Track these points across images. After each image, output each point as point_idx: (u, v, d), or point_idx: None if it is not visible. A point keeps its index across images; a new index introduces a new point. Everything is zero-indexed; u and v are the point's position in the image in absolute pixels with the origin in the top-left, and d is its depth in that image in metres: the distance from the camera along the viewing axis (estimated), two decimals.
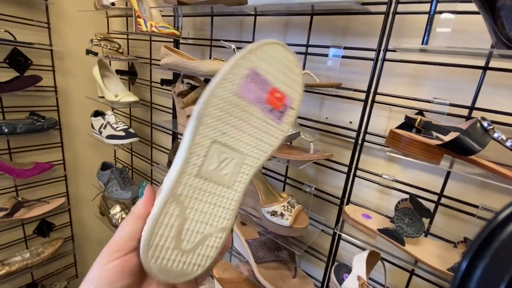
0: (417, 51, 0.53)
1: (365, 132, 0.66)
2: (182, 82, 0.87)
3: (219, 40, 0.93)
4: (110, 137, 1.09)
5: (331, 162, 0.76)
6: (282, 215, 0.64)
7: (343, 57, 0.65)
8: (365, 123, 0.65)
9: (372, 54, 0.60)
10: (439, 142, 0.42)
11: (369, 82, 0.62)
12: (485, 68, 0.52)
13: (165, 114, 1.20)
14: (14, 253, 1.19)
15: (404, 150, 0.44)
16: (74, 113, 1.30)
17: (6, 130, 1.02)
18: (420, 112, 0.61)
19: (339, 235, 0.73)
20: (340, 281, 0.57)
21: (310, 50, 0.74)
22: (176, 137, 1.09)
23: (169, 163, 0.97)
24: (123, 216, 1.28)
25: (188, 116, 0.82)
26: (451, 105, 0.54)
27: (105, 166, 1.28)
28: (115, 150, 1.49)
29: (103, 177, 1.25)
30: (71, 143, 1.32)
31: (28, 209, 1.16)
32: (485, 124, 0.40)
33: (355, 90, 0.65)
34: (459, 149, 0.40)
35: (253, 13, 0.79)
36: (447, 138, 0.41)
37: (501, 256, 0.17)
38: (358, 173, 0.70)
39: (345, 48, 0.64)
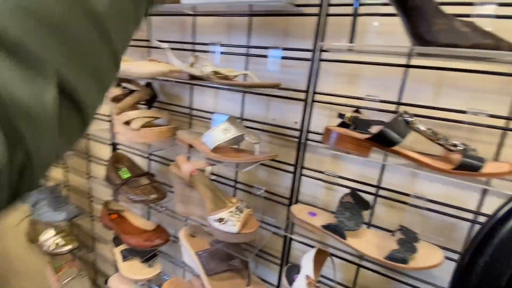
0: (346, 51, 0.56)
1: (307, 131, 0.67)
2: (118, 86, 0.80)
3: (160, 41, 0.88)
4: None
5: (279, 163, 0.76)
6: (229, 221, 0.61)
7: (282, 58, 0.66)
8: (306, 122, 0.66)
9: (309, 55, 0.62)
10: (368, 136, 0.44)
11: (308, 82, 0.63)
12: (407, 66, 0.57)
13: (103, 123, 1.10)
14: None
15: (338, 146, 0.45)
16: None
17: None
18: (357, 109, 0.64)
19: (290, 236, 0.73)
20: (291, 282, 0.56)
21: (254, 51, 0.74)
22: (115, 147, 1.00)
23: (108, 178, 0.87)
24: (58, 241, 1.12)
25: (125, 123, 0.75)
26: (381, 101, 0.58)
27: None
28: None
29: (29, 198, 1.08)
30: None
31: None
32: (406, 117, 0.43)
33: (294, 90, 0.66)
34: (383, 141, 0.42)
35: (192, 13, 0.76)
36: (374, 131, 0.44)
37: (502, 252, 0.18)
38: (304, 171, 0.71)
39: (284, 49, 0.65)
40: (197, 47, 0.81)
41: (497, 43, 0.40)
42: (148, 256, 0.91)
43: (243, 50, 0.74)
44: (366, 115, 0.60)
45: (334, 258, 0.62)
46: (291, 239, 0.73)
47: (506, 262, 0.18)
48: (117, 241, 0.93)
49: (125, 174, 0.86)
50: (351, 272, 0.73)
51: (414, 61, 0.56)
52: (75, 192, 1.28)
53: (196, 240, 0.80)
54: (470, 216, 0.56)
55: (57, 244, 1.12)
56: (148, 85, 0.92)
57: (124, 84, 0.83)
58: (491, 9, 0.45)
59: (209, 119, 0.85)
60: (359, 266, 0.67)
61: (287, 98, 0.71)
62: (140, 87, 0.83)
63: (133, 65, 0.68)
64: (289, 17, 0.68)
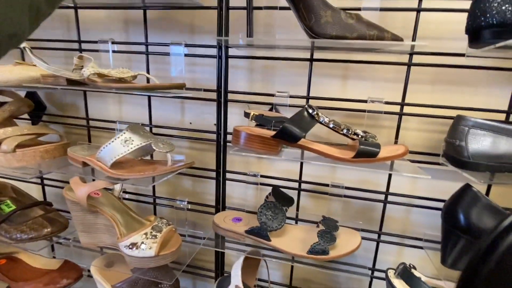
0: (252, 47, 0.54)
1: (225, 133, 0.63)
2: None
3: (39, 40, 0.72)
4: None
5: (201, 170, 0.70)
6: (143, 245, 0.53)
7: (186, 55, 0.60)
8: (222, 123, 0.62)
9: (215, 51, 0.58)
10: (273, 133, 0.42)
11: (218, 81, 0.59)
12: (311, 60, 0.57)
13: None
14: None
15: (247, 146, 0.42)
16: None
17: None
18: (272, 106, 0.63)
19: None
20: None
21: (154, 49, 0.66)
22: None
23: None
24: None
25: None
26: (291, 96, 0.58)
27: None
28: None
29: None
30: None
31: None
32: (310, 110, 0.42)
33: (205, 90, 0.61)
34: (287, 137, 0.40)
35: (71, 5, 0.64)
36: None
37: (506, 262, 0.18)
38: (228, 175, 0.67)
39: (187, 45, 0.59)
40: (86, 46, 0.68)
41: (381, 34, 0.42)
42: None
43: (143, 48, 0.65)
44: (281, 112, 0.59)
45: (269, 258, 0.60)
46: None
47: (510, 272, 0.18)
48: None
49: (7, 207, 0.68)
50: (284, 269, 0.72)
51: (319, 55, 0.58)
52: None
53: (112, 272, 0.68)
54: (382, 197, 0.60)
55: None
56: (29, 95, 0.75)
57: None
58: (376, 2, 0.47)
59: (112, 129, 0.73)
60: (292, 263, 0.67)
61: (198, 99, 0.66)
62: (15, 98, 0.66)
63: None
64: (194, 10, 0.63)
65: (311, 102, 0.60)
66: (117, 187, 0.65)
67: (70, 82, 0.47)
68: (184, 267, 0.63)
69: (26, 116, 0.76)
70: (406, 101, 0.54)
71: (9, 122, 0.63)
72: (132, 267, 0.68)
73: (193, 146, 0.73)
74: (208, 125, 0.69)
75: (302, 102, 0.60)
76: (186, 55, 0.59)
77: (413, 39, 0.50)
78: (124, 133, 0.53)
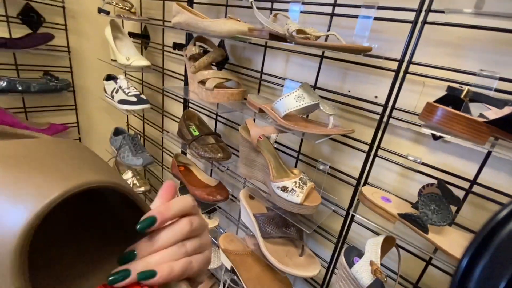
0: (468, 14, 0.44)
1: (393, 108, 0.59)
2: (194, 44, 0.81)
3: None
4: (121, 102, 1.07)
5: (350, 140, 0.70)
6: (293, 191, 0.60)
7: (375, 19, 0.56)
8: (393, 97, 0.57)
9: (411, 16, 0.52)
10: (486, 120, 0.35)
11: (404, 50, 0.54)
12: None
13: (177, 81, 1.16)
14: None
15: (444, 126, 0.38)
16: (88, 75, 1.28)
17: (20, 88, 1.01)
18: (460, 87, 0.53)
19: (352, 217, 0.69)
20: (350, 264, 0.54)
21: (340, 10, 0.65)
22: (187, 105, 1.05)
23: (180, 133, 0.94)
24: (135, 182, 1.29)
25: (200, 82, 0.77)
26: (501, 79, 0.46)
27: (117, 132, 1.28)
28: (127, 116, 1.49)
29: (115, 142, 1.25)
30: (84, 106, 1.32)
31: None
32: None
33: (386, 58, 0.57)
34: None
35: None
36: (499, 114, 0.35)
37: (501, 255, 0.18)
38: (380, 152, 0.64)
39: (379, 8, 0.55)
40: (277, 5, 0.75)
41: None
42: (208, 209, 0.99)
43: (329, 9, 0.66)
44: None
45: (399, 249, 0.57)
46: (352, 220, 0.69)
47: (506, 265, 0.17)
48: (182, 191, 1.03)
49: (195, 131, 0.91)
50: (412, 266, 0.67)
51: None
52: (150, 143, 1.43)
53: (255, 202, 0.82)
54: None
55: (133, 184, 1.29)
56: (221, 46, 0.92)
57: (199, 44, 0.84)
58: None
59: (278, 85, 0.81)
60: (429, 263, 0.61)
61: (375, 67, 0.62)
62: (214, 48, 0.83)
63: (212, 22, 0.67)
64: None
65: None
66: (274, 136, 0.75)
67: (272, 36, 0.54)
68: (316, 226, 0.69)
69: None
70: None
71: (209, 66, 0.80)
72: (267, 205, 0.80)
73: (343, 115, 0.73)
74: (366, 95, 0.66)
75: (504, 86, 0.47)
76: (375, 18, 0.55)
77: None
78: (298, 90, 0.59)
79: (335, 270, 0.76)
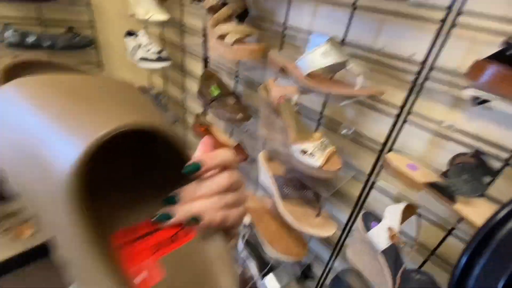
0: None
1: (431, 67, 0.52)
2: None
3: None
4: (142, 59, 1.06)
5: (378, 103, 0.65)
6: (312, 154, 0.58)
7: None
8: (435, 54, 0.51)
9: None
10: None
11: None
12: None
13: (197, 38, 1.11)
14: None
15: (492, 86, 0.33)
16: (110, 32, 1.26)
17: (47, 44, 1.03)
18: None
19: (372, 184, 0.68)
20: (368, 227, 0.54)
21: None
22: (207, 64, 1.02)
23: (200, 93, 0.93)
24: None
25: (219, 37, 0.73)
26: None
27: (142, 91, 1.30)
28: (150, 75, 1.49)
29: None
30: (108, 63, 1.33)
31: None
32: None
33: (431, 7, 0.49)
34: None
35: None
36: None
37: (501, 253, 0.18)
38: (410, 117, 0.59)
39: None
40: None
41: None
42: None
43: None
44: None
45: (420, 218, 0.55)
46: (372, 186, 0.68)
47: (505, 263, 0.17)
48: None
49: (215, 91, 0.89)
50: (429, 235, 0.65)
51: None
52: (172, 102, 1.44)
53: (273, 163, 0.82)
54: None
55: None
56: None
57: None
58: None
59: (302, 40, 0.75)
60: (449, 233, 0.59)
61: (417, 18, 0.54)
62: None
63: None
64: None
65: None
66: (295, 97, 0.71)
67: None
68: (335, 190, 0.68)
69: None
70: None
71: (229, 19, 0.75)
72: (286, 167, 0.80)
73: (371, 76, 0.66)
74: (402, 53, 0.59)
75: None
76: None
77: None
78: (324, 45, 0.53)
79: (350, 233, 0.77)
